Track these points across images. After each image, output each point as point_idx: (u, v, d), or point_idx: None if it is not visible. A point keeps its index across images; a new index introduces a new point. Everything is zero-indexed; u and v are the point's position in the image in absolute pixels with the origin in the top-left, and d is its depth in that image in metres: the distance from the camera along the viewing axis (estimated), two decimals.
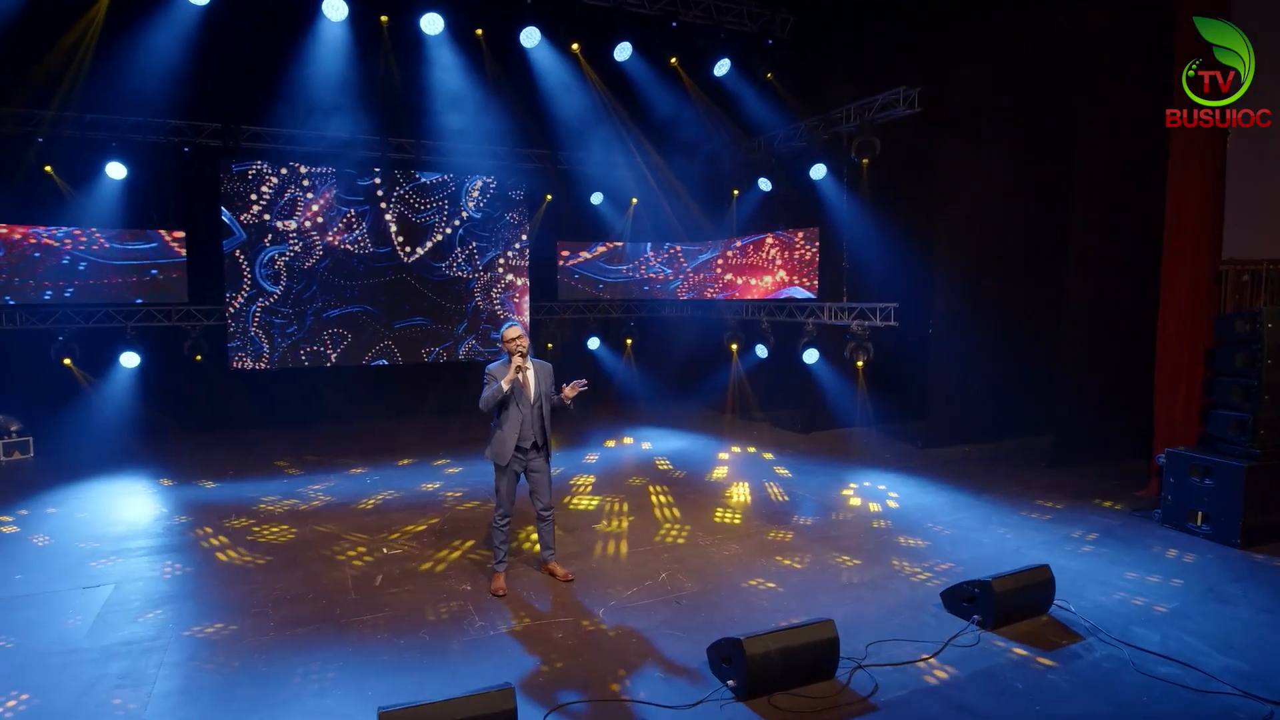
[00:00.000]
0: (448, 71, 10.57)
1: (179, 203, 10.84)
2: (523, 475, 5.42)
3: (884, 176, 9.91)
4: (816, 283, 10.91)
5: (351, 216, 11.71)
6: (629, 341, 13.72)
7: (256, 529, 6.80)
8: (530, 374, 5.30)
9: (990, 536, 6.62)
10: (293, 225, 11.37)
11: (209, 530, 6.76)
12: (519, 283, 12.84)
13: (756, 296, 12.12)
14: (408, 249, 12.10)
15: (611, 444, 10.44)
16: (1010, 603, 4.82)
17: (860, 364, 9.96)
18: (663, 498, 7.87)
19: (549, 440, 5.38)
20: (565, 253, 13.31)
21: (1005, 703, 3.97)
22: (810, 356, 10.81)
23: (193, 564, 5.99)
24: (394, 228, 11.97)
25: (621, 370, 13.73)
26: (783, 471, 9.03)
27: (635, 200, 13.35)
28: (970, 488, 8.17)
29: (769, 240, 11.77)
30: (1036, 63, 9.09)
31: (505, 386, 5.12)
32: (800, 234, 11.14)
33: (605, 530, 6.80)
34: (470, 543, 6.43)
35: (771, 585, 5.53)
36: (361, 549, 6.28)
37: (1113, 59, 8.44)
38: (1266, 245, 7.03)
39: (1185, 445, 7.74)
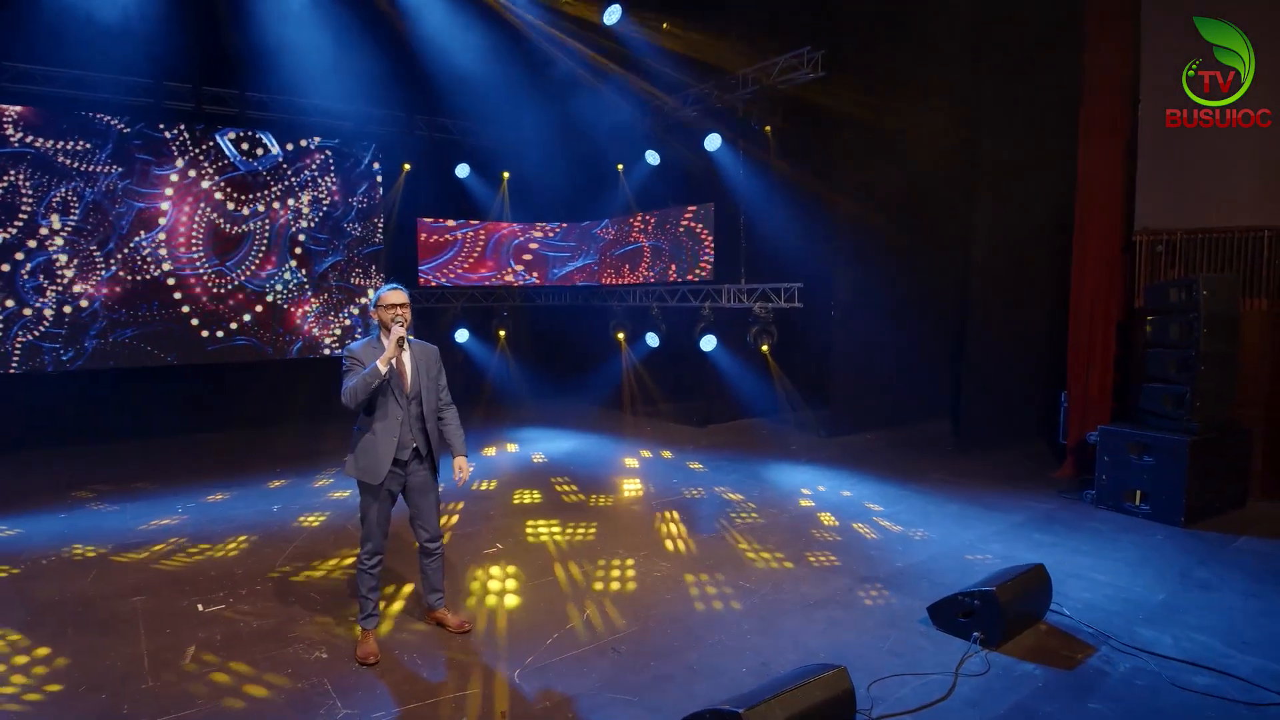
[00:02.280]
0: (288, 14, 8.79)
1: None
2: (400, 495, 4.01)
3: (784, 147, 9.21)
4: (712, 264, 10.04)
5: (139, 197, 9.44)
6: (502, 333, 12.25)
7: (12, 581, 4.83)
8: (407, 357, 3.91)
9: (937, 530, 5.94)
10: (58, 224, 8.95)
11: None
12: (371, 266, 11.02)
13: (646, 280, 11.09)
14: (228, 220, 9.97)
15: (491, 451, 9.00)
16: (1013, 614, 4.04)
17: (765, 349, 9.18)
18: (562, 512, 6.61)
19: (434, 447, 4.00)
20: (424, 235, 11.60)
21: None
22: (708, 343, 9.92)
23: None
24: (214, 209, 9.81)
25: (496, 365, 12.24)
26: (696, 466, 8.05)
27: (507, 175, 11.90)
28: (894, 478, 7.57)
29: (658, 219, 10.79)
30: (945, 29, 8.69)
31: (383, 368, 3.69)
32: (693, 211, 10.23)
33: (497, 558, 5.45)
34: (322, 585, 4.86)
35: (721, 608, 4.46)
36: (164, 607, 4.54)
37: (1020, 33, 8.17)
38: (1184, 215, 6.87)
39: (1100, 423, 7.61)
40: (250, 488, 7.34)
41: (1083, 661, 3.86)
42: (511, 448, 9.17)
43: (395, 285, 3.94)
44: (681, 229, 10.40)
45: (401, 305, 3.86)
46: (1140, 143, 7.07)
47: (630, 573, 5.08)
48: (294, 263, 10.41)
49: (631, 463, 8.40)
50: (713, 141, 9.58)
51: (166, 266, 9.53)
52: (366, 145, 10.83)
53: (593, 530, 6.01)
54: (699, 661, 3.85)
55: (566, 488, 7.31)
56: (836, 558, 5.34)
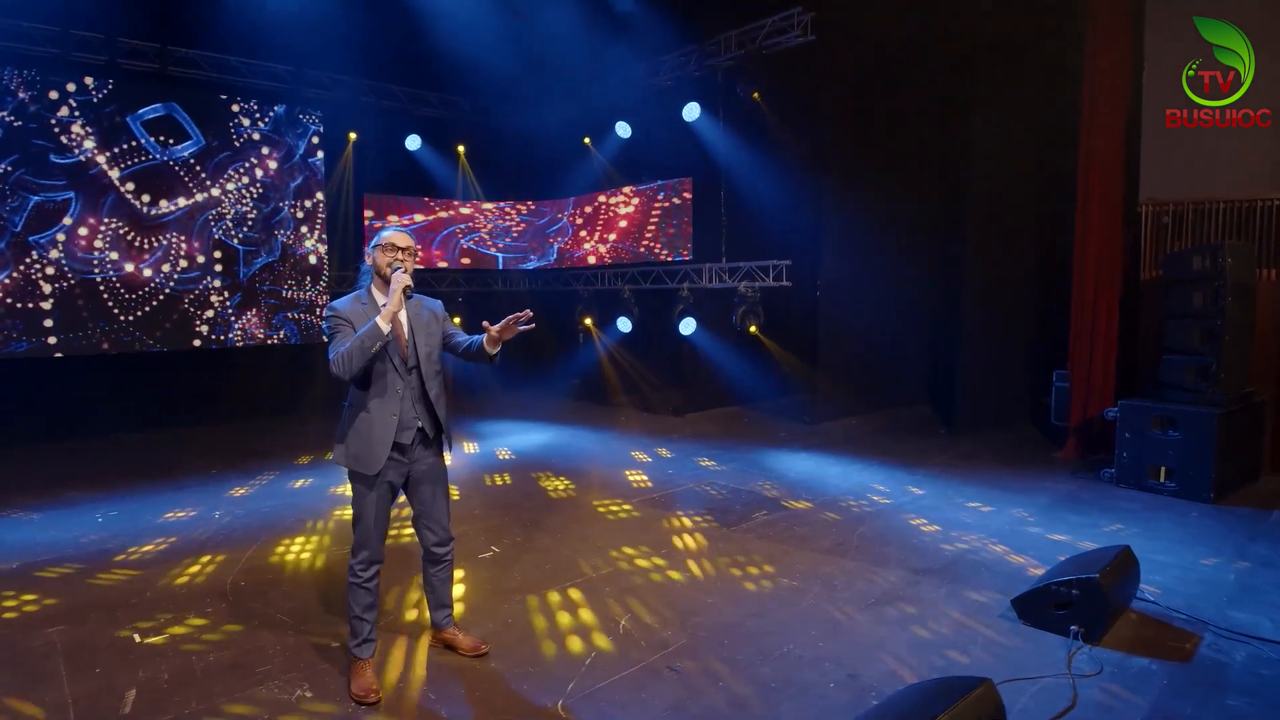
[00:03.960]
0: None
1: None
2: (401, 489, 3.24)
3: (771, 117, 8.69)
4: (691, 242, 9.45)
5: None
6: (458, 321, 11.33)
7: None
8: (404, 316, 3.16)
9: (969, 517, 5.51)
10: None
11: None
12: (313, 245, 9.97)
13: (619, 261, 10.42)
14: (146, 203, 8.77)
15: (471, 448, 8.16)
16: (1115, 603, 3.60)
17: (754, 329, 8.65)
18: (556, 510, 5.90)
19: (444, 424, 3.24)
20: (370, 213, 10.59)
21: None
22: (686, 327, 9.34)
23: None
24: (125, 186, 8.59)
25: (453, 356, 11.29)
26: (693, 457, 7.44)
27: (463, 148, 10.99)
28: (899, 464, 7.16)
29: (630, 194, 10.13)
30: None
31: (385, 325, 2.93)
32: (670, 186, 9.62)
33: (495, 564, 4.71)
34: (290, 603, 4.02)
35: (775, 611, 3.86)
36: (91, 639, 3.62)
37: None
38: (1194, 185, 6.70)
39: (1104, 402, 7.40)
40: (188, 491, 6.32)
41: (1195, 652, 3.44)
42: (470, 448, 8.36)
43: (398, 227, 3.18)
44: (657, 206, 9.78)
45: (405, 250, 3.11)
46: (1145, 126, 6.89)
47: (656, 576, 4.42)
48: (218, 253, 9.26)
49: (619, 455, 7.73)
50: (691, 111, 9.00)
51: (71, 267, 8.28)
52: (306, 112, 9.77)
53: (596, 528, 5.33)
54: (774, 677, 3.23)
55: (555, 483, 6.59)
56: (879, 549, 4.83)
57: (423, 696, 3.10)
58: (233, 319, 9.39)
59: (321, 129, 9.86)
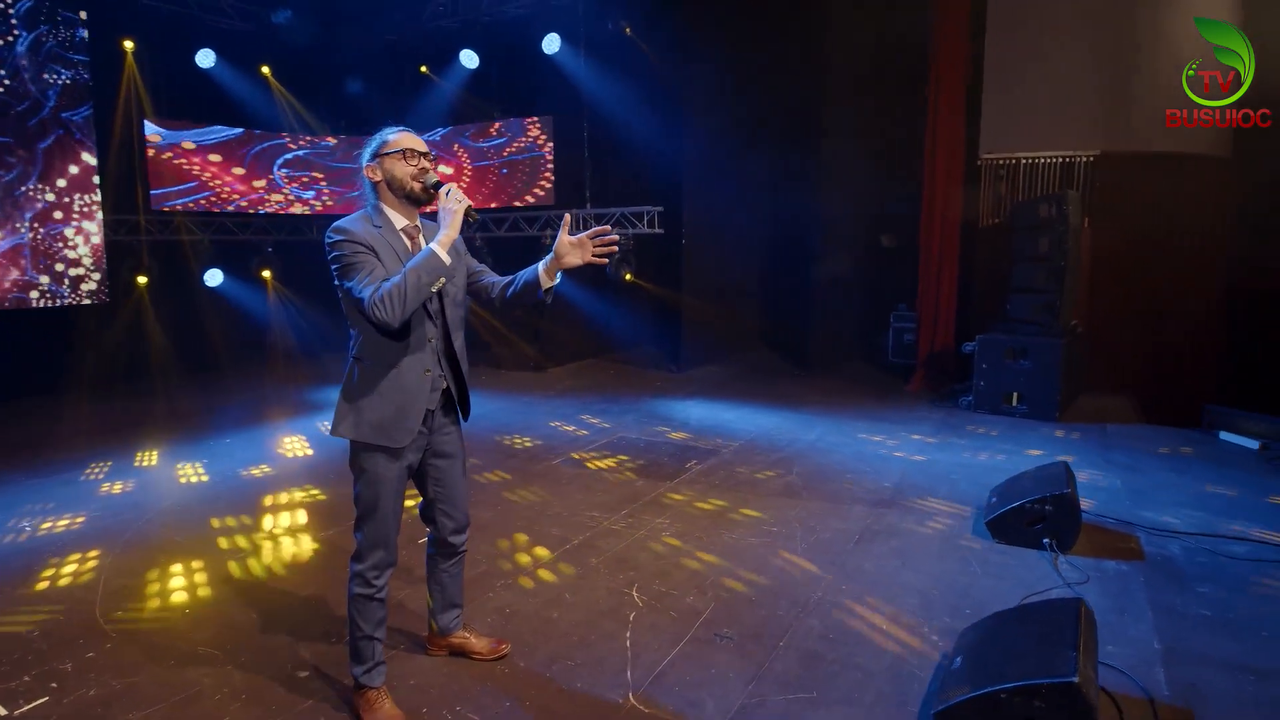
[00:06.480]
0: None
1: None
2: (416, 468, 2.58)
3: (644, 53, 8.29)
4: (552, 185, 8.87)
5: None
6: (268, 275, 9.71)
7: None
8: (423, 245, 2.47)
9: (878, 449, 5.81)
10: None
11: None
12: (83, 182, 7.86)
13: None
14: None
15: (325, 426, 7.02)
16: (1079, 515, 3.93)
17: (629, 277, 8.38)
18: (474, 489, 5.28)
19: (466, 386, 2.61)
20: (156, 140, 8.58)
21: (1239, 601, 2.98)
22: None
23: None
24: None
25: (273, 315, 9.69)
26: (578, 412, 7.04)
27: (268, 70, 9.23)
28: (781, 405, 7.38)
29: (480, 132, 9.23)
30: None
31: (447, 257, 2.25)
32: (527, 123, 8.90)
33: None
34: (215, 633, 3.11)
35: (775, 562, 3.72)
36: None
37: None
38: (1023, 142, 7.49)
39: (944, 338, 8.21)
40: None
41: (1143, 551, 3.86)
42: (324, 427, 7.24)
43: (403, 128, 2.44)
44: (515, 145, 9.01)
45: (426, 155, 2.41)
46: (984, 88, 7.53)
47: (625, 539, 4.08)
48: None
49: (493, 419, 7.11)
50: (551, 43, 8.34)
51: None
52: (64, 13, 7.55)
53: (534, 498, 4.82)
54: (826, 628, 3.09)
55: None
56: (824, 486, 4.89)
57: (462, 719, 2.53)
58: None
59: (86, 33, 7.70)
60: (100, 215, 8.04)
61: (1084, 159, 7.35)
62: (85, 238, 7.96)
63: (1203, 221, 6.88)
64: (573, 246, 2.48)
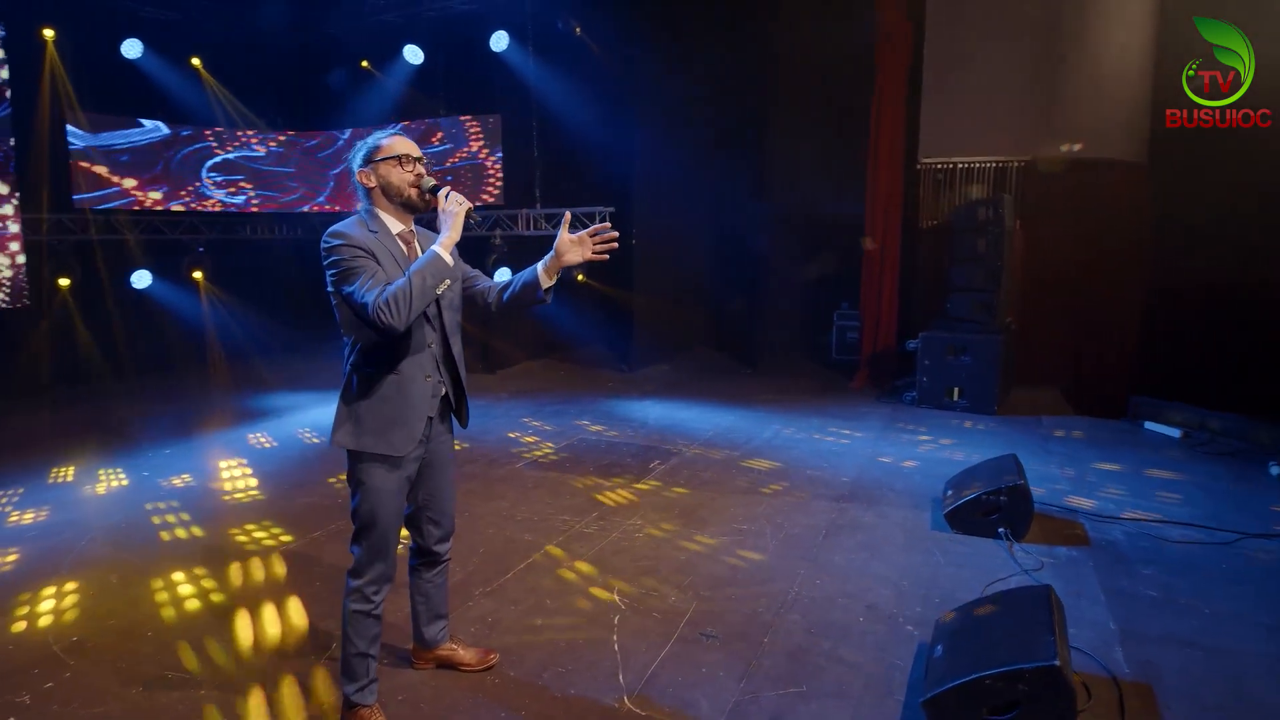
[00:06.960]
0: None
1: None
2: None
3: (594, 53, 8.27)
4: (501, 186, 8.77)
5: None
6: (199, 276, 9.25)
7: None
8: (419, 249, 2.46)
9: (833, 445, 5.99)
10: None
11: None
12: None
13: None
14: None
15: (262, 437, 6.75)
16: (1032, 505, 4.14)
17: (581, 278, 8.36)
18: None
19: (465, 391, 2.57)
20: (76, 142, 8.05)
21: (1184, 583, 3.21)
22: (502, 275, 8.67)
23: None
24: None
25: (210, 319, 9.22)
26: (535, 417, 6.99)
27: (199, 61, 8.78)
28: (735, 404, 7.49)
29: (426, 132, 9.04)
30: None
31: (447, 255, 2.23)
32: (473, 122, 8.76)
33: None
34: (176, 681, 2.97)
35: (752, 558, 3.80)
36: None
37: None
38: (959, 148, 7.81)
39: (886, 338, 8.49)
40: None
41: (1089, 537, 4.11)
42: (263, 440, 7.00)
43: (395, 130, 2.40)
44: (464, 144, 8.86)
45: (420, 159, 2.37)
46: (923, 95, 7.82)
47: (599, 542, 4.09)
48: None
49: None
50: (500, 40, 8.23)
51: None
52: None
53: (501, 501, 4.77)
54: (808, 623, 3.18)
55: None
56: (791, 482, 5.01)
57: None
58: None
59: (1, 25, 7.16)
60: (11, 213, 7.51)
61: (1015, 164, 7.71)
62: (1, 241, 7.43)
63: (1125, 224, 7.31)
64: (573, 244, 2.48)
